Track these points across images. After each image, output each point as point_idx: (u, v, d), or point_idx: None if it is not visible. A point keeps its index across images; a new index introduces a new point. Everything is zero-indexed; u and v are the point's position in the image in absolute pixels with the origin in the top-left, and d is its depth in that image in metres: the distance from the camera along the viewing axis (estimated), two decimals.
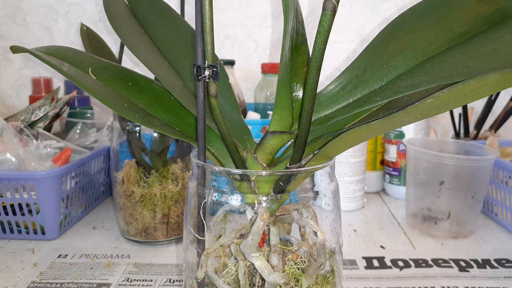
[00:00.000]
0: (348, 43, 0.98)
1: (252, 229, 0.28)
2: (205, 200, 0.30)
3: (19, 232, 0.59)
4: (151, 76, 0.42)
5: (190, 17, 0.35)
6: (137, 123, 0.56)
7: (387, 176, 0.80)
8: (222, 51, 0.98)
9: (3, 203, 0.58)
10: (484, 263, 0.53)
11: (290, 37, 0.30)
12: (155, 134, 0.58)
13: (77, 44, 0.99)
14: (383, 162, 0.82)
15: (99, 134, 0.76)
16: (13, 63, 1.02)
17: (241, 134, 0.34)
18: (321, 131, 0.31)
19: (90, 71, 0.30)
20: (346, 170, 0.72)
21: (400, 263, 0.53)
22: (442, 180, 0.61)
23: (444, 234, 0.62)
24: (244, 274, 0.29)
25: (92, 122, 0.81)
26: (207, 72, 0.26)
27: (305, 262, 0.29)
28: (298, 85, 0.32)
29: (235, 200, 0.30)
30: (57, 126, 0.79)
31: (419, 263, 0.53)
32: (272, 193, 0.30)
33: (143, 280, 0.49)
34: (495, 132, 0.81)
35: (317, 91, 0.27)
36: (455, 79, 0.24)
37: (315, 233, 0.30)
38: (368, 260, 0.54)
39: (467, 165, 0.60)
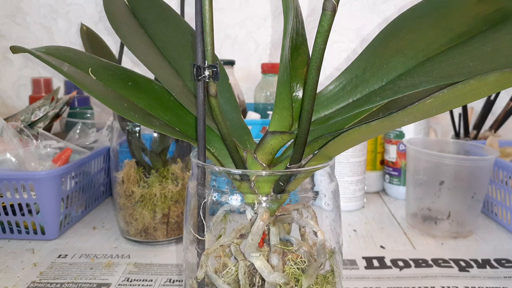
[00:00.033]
0: (348, 43, 0.98)
1: (252, 229, 0.28)
2: (205, 200, 0.30)
3: (19, 232, 0.59)
4: (151, 76, 0.42)
5: (190, 17, 0.35)
6: (137, 123, 0.56)
7: (387, 176, 0.80)
8: (222, 51, 0.98)
9: (3, 203, 0.58)
10: (484, 263, 0.53)
11: (290, 37, 0.30)
12: (155, 134, 0.58)
13: (77, 44, 0.99)
14: (383, 162, 0.82)
15: (99, 134, 0.76)
16: (13, 63, 1.02)
17: (241, 134, 0.34)
18: (321, 131, 0.31)
19: (90, 71, 0.30)
20: (346, 170, 0.72)
21: (400, 263, 0.53)
22: (442, 180, 0.61)
23: (444, 234, 0.62)
24: (244, 274, 0.29)
25: (92, 122, 0.81)
26: (207, 72, 0.26)
27: (305, 262, 0.29)
28: (298, 85, 0.32)
29: (235, 200, 0.30)
30: (57, 126, 0.80)
31: (419, 263, 0.53)
32: (272, 193, 0.30)
33: (143, 280, 0.49)
34: (495, 132, 0.81)
35: (317, 91, 0.27)
36: (455, 79, 0.24)
37: (315, 233, 0.30)
38: (368, 260, 0.54)
39: (467, 165, 0.60)
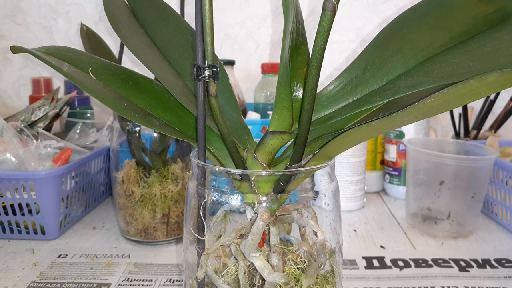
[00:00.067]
0: (348, 43, 0.98)
1: (252, 229, 0.28)
2: (205, 200, 0.30)
3: (19, 232, 0.59)
4: (151, 76, 0.42)
5: (190, 17, 0.35)
6: (137, 123, 0.56)
7: (387, 176, 0.80)
8: (222, 51, 0.98)
9: (3, 203, 0.58)
10: (484, 263, 0.53)
11: (290, 37, 0.30)
12: (155, 134, 0.58)
13: (77, 44, 0.99)
14: (383, 162, 0.82)
15: (99, 134, 0.76)
16: (13, 63, 1.02)
17: (241, 134, 0.34)
18: (321, 131, 0.31)
19: (90, 71, 0.30)
20: (346, 170, 0.72)
21: (400, 263, 0.53)
22: (442, 180, 0.61)
23: (444, 234, 0.62)
24: (244, 274, 0.29)
25: (92, 122, 0.81)
26: (207, 72, 0.26)
27: (305, 262, 0.29)
28: (298, 85, 0.32)
29: (235, 200, 0.30)
30: (57, 126, 0.80)
31: (419, 263, 0.53)
32: (272, 193, 0.30)
33: (143, 280, 0.49)
34: (495, 132, 0.81)
35: (317, 91, 0.27)
36: (455, 79, 0.24)
37: (315, 233, 0.30)
38: (368, 260, 0.54)
39: (467, 165, 0.60)
